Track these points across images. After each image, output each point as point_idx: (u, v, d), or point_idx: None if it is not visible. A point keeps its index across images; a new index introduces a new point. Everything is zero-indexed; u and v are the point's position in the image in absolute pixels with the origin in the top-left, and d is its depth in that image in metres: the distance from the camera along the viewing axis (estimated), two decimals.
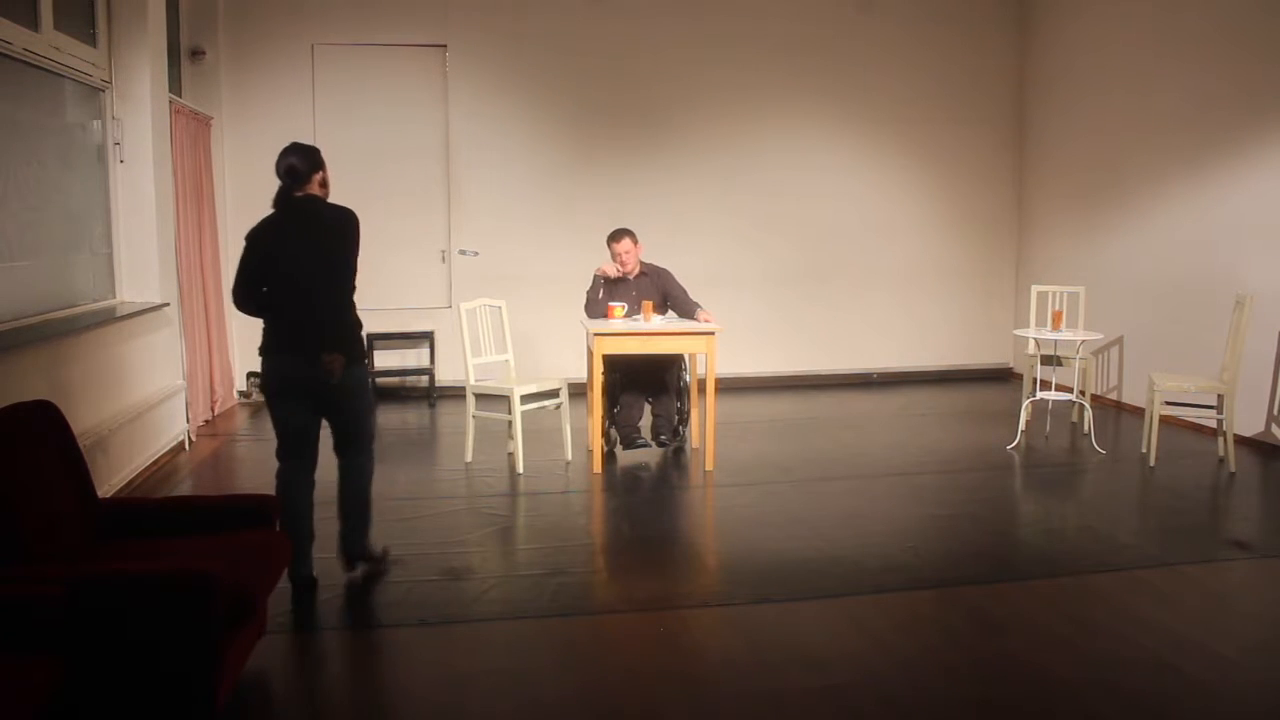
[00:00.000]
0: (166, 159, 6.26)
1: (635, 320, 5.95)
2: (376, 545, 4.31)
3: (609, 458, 6.14)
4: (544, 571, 4.31)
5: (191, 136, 6.97)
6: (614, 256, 6.19)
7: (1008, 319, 9.26)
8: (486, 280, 8.11)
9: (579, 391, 6.66)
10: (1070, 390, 6.74)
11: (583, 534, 4.98)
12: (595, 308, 6.14)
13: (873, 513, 5.22)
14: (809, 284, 8.90)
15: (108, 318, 5.32)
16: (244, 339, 8.11)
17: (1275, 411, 6.40)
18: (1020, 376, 7.93)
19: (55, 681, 2.47)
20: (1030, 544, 4.89)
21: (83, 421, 4.77)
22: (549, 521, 5.09)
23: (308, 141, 4.14)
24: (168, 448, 6.11)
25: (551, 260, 8.29)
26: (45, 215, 5.08)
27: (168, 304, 6.14)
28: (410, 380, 8.38)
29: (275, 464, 4.05)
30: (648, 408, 6.32)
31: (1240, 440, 6.29)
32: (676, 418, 6.33)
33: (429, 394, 8.24)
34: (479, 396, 6.07)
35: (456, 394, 7.92)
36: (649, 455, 6.26)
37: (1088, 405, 6.67)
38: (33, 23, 4.84)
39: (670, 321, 6.03)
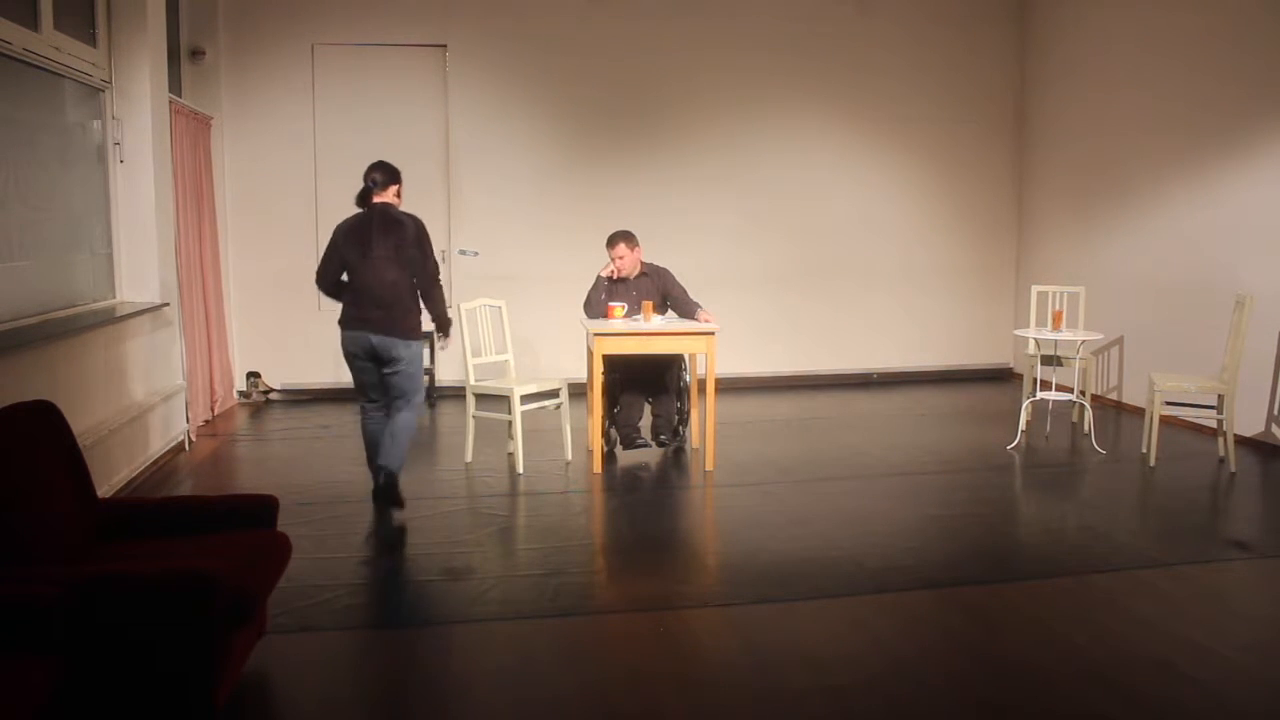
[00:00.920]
0: (166, 159, 6.26)
1: (635, 320, 5.95)
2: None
3: (609, 458, 6.14)
4: (544, 571, 4.31)
5: (191, 136, 6.97)
6: (611, 261, 6.20)
7: (1008, 319, 9.26)
8: (486, 280, 8.11)
9: (579, 391, 6.66)
10: (1070, 390, 6.74)
11: (583, 534, 4.98)
12: (594, 308, 6.14)
13: (873, 513, 5.22)
14: (809, 284, 8.90)
15: (108, 318, 5.32)
16: (244, 339, 8.13)
17: (1275, 411, 6.40)
18: (1020, 376, 7.93)
19: (55, 681, 2.47)
20: (1030, 544, 4.88)
21: (83, 421, 4.77)
22: (549, 521, 5.09)
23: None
24: (168, 448, 6.11)
25: (551, 260, 8.29)
26: (45, 215, 5.08)
27: (168, 304, 6.14)
28: None
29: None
30: (648, 408, 6.33)
31: (1240, 440, 6.29)
32: (676, 418, 6.33)
33: (429, 394, 8.23)
34: (479, 396, 6.07)
35: (456, 394, 7.93)
36: (649, 455, 6.26)
37: (1088, 405, 6.67)
38: (33, 23, 4.84)
39: (670, 321, 6.03)
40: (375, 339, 4.88)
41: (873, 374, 9.06)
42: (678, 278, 6.36)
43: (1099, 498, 5.66)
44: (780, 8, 8.59)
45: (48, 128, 5.26)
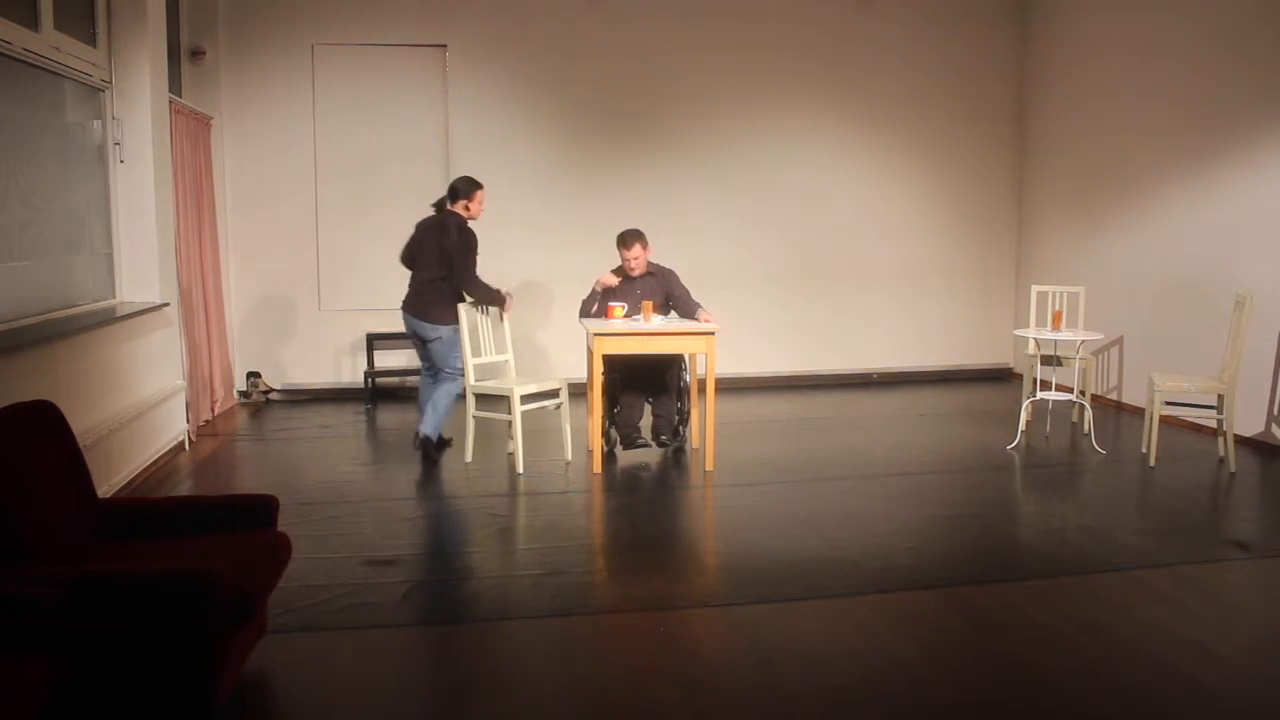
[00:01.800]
0: (166, 159, 6.26)
1: (635, 320, 5.95)
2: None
3: (609, 458, 6.14)
4: (544, 571, 4.31)
5: (191, 136, 6.97)
6: (623, 261, 6.19)
7: (1008, 319, 9.26)
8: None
9: (579, 391, 6.66)
10: (1070, 390, 6.74)
11: (583, 534, 4.98)
12: (587, 313, 6.18)
13: (873, 513, 5.22)
14: (809, 284, 8.90)
15: (108, 318, 5.32)
16: (244, 339, 8.13)
17: (1275, 411, 6.40)
18: (1020, 376, 7.93)
19: (55, 681, 2.47)
20: (1030, 544, 4.88)
21: (83, 421, 4.77)
22: (549, 521, 5.09)
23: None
24: (168, 448, 6.11)
25: (551, 260, 8.29)
26: (45, 215, 5.08)
27: (168, 304, 6.14)
28: (410, 380, 8.38)
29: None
30: (648, 408, 6.32)
31: (1240, 440, 6.29)
32: (676, 418, 6.33)
33: None
34: (479, 396, 6.07)
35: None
36: (649, 455, 6.26)
37: (1088, 405, 6.67)
38: (33, 23, 4.84)
39: (670, 321, 6.03)
40: (410, 320, 6.10)
41: (873, 374, 9.06)
42: (681, 279, 6.36)
43: (1099, 498, 5.66)
44: (782, 9, 8.59)
45: (48, 128, 5.26)
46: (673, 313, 6.22)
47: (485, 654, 3.58)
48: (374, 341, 8.19)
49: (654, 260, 6.36)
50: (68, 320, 5.01)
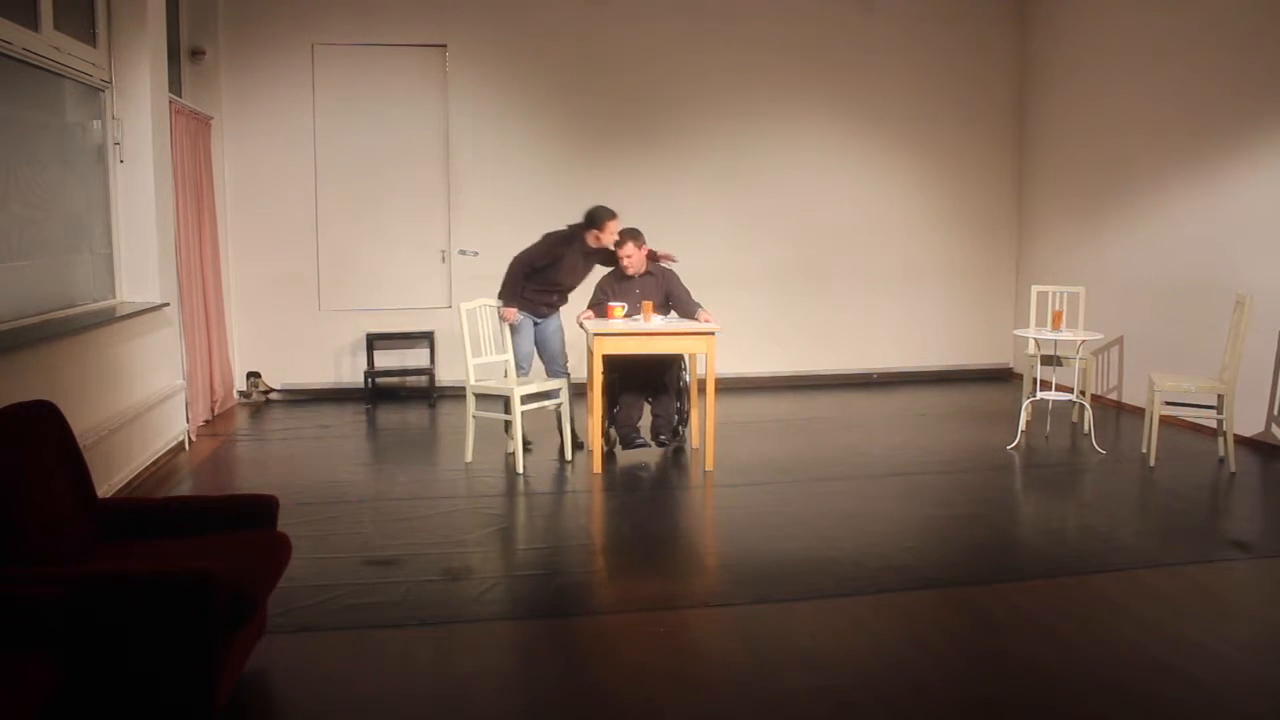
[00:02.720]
0: (166, 159, 6.26)
1: (635, 320, 5.95)
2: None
3: (609, 458, 6.14)
4: (544, 571, 4.31)
5: (191, 136, 6.97)
6: (619, 260, 6.19)
7: (1008, 319, 9.26)
8: (487, 280, 8.06)
9: (579, 391, 6.66)
10: (1070, 390, 6.74)
11: (583, 534, 4.98)
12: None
13: (873, 513, 5.22)
14: (809, 284, 8.90)
15: (108, 318, 5.32)
16: (244, 339, 8.13)
17: (1275, 411, 6.40)
18: (1020, 376, 7.93)
19: (55, 681, 2.47)
20: (1030, 544, 4.88)
21: (83, 421, 4.77)
22: (549, 521, 5.09)
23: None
24: (168, 448, 6.11)
25: None
26: (45, 215, 5.08)
27: (168, 304, 6.14)
28: (410, 380, 8.38)
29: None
30: (647, 408, 6.32)
31: (1240, 440, 6.29)
32: (676, 418, 6.33)
33: (429, 394, 8.24)
34: (479, 396, 6.07)
35: (456, 394, 7.93)
36: (649, 455, 6.26)
37: (1088, 405, 6.67)
38: (33, 23, 4.84)
39: (670, 321, 6.03)
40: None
41: (872, 374, 9.06)
42: (682, 279, 6.36)
43: (1099, 498, 5.66)
44: (782, 9, 8.59)
45: (48, 128, 5.26)
46: (672, 313, 6.22)
47: (485, 654, 3.58)
48: (374, 341, 8.19)
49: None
50: (67, 320, 5.01)
